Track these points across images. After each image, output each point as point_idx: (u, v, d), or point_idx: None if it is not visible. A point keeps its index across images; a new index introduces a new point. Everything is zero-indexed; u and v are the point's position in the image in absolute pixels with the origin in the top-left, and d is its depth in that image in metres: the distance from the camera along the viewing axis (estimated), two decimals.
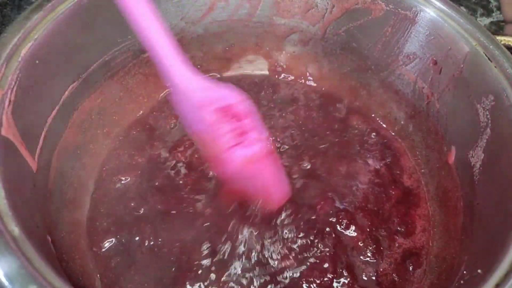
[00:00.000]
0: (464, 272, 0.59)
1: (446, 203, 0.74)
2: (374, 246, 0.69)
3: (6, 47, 0.57)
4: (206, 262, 0.65)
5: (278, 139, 0.80)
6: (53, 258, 0.57)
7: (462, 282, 0.57)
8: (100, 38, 0.71)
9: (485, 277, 0.51)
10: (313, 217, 0.70)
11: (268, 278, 0.65)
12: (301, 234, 0.68)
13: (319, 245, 0.68)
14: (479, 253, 0.59)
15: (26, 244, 0.47)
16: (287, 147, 0.80)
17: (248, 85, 0.89)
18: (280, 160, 0.65)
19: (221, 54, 0.90)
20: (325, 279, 0.65)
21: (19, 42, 0.59)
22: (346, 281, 0.65)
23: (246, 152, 0.59)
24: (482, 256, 0.57)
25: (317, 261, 0.66)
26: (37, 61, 0.60)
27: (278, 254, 0.66)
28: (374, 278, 0.67)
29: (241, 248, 0.67)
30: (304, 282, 0.65)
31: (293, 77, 0.92)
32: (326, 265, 0.66)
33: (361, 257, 0.68)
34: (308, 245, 0.67)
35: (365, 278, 0.67)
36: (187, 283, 0.63)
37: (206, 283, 0.63)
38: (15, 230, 0.47)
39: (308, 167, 0.77)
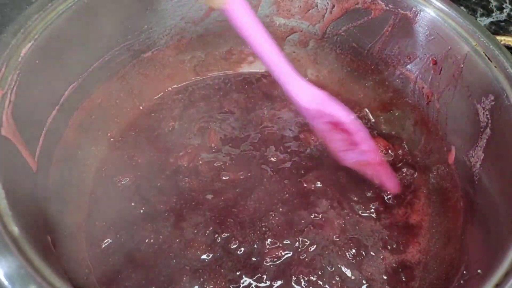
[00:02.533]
0: (464, 272, 0.59)
1: (446, 203, 0.74)
2: (356, 249, 0.69)
3: (6, 47, 0.57)
4: (203, 260, 0.66)
5: (282, 134, 0.81)
6: (53, 258, 0.57)
7: (462, 282, 0.57)
8: (100, 38, 0.72)
9: (485, 277, 0.51)
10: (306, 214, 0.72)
11: (263, 276, 0.65)
12: (294, 229, 0.70)
13: (306, 241, 0.69)
14: (479, 253, 0.59)
15: (26, 244, 0.47)
16: (290, 143, 0.81)
17: (248, 84, 0.89)
18: (388, 166, 0.71)
19: (221, 54, 0.90)
20: (314, 275, 0.66)
21: (19, 42, 0.59)
22: (334, 281, 0.65)
23: (357, 157, 0.67)
24: (482, 256, 0.57)
25: (306, 257, 0.67)
26: (37, 61, 0.60)
27: (273, 252, 0.67)
28: (364, 282, 0.67)
29: (238, 247, 0.67)
30: (294, 276, 0.65)
31: None
32: (314, 262, 0.67)
33: (343, 259, 0.68)
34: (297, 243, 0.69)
35: (354, 281, 0.67)
36: (185, 281, 0.63)
37: (203, 281, 0.64)
38: (15, 230, 0.47)
39: (310, 164, 0.78)
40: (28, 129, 0.59)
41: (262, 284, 0.65)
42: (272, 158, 0.78)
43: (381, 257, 0.69)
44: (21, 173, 0.57)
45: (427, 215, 0.75)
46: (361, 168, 0.70)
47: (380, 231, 0.72)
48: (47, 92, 0.64)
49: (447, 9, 0.71)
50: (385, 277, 0.68)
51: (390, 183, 0.72)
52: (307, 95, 0.64)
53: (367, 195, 0.75)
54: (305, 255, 0.67)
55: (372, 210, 0.74)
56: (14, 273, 0.44)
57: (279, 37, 0.88)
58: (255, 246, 0.67)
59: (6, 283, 0.43)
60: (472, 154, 0.67)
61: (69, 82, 0.68)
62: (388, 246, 0.70)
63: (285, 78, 0.63)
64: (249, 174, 0.75)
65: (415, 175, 0.79)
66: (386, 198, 0.75)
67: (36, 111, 0.62)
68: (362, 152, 0.66)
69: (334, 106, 0.64)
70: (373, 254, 0.69)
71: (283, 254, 0.67)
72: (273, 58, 0.62)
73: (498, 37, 0.69)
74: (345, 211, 0.73)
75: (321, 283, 0.65)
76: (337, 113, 0.64)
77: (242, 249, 0.67)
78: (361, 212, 0.73)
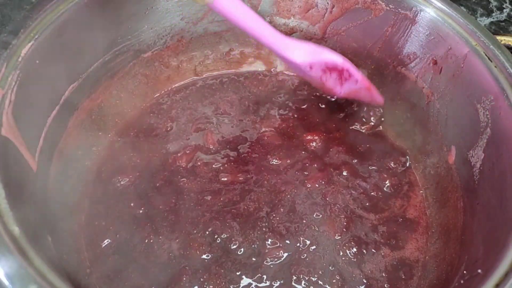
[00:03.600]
0: (464, 272, 0.58)
1: (445, 203, 0.74)
2: (357, 247, 0.69)
3: (6, 47, 0.57)
4: (203, 260, 0.66)
5: (281, 135, 0.82)
6: (53, 258, 0.57)
7: (462, 282, 0.57)
8: (100, 38, 0.72)
9: (485, 277, 0.51)
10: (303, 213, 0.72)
11: (263, 276, 0.65)
12: (292, 228, 0.70)
13: (306, 240, 0.69)
14: (479, 253, 0.59)
15: (27, 244, 0.47)
16: (289, 143, 0.81)
17: (247, 84, 0.90)
18: (373, 86, 0.77)
19: (222, 55, 0.90)
20: (314, 275, 0.66)
21: (19, 42, 0.59)
22: (335, 281, 0.66)
23: (350, 87, 0.75)
24: (482, 256, 0.57)
25: (306, 256, 0.67)
26: (37, 61, 0.60)
27: (274, 252, 0.67)
28: (365, 280, 0.67)
29: (238, 247, 0.67)
30: (294, 276, 0.66)
31: (293, 76, 0.92)
32: (314, 262, 0.67)
33: (344, 257, 0.68)
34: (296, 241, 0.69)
35: (354, 280, 0.67)
36: (185, 280, 0.63)
37: (203, 281, 0.64)
38: (16, 230, 0.47)
39: (310, 164, 0.78)
40: (28, 129, 0.59)
41: (262, 284, 0.65)
42: (271, 159, 0.78)
43: (382, 254, 0.69)
44: (22, 173, 0.57)
45: (426, 215, 0.75)
46: (354, 94, 0.78)
47: (381, 227, 0.72)
48: (47, 92, 0.64)
49: (447, 9, 0.71)
50: (384, 275, 0.68)
51: (377, 97, 0.79)
52: (301, 53, 0.71)
53: (368, 189, 0.76)
54: (305, 255, 0.67)
55: (372, 204, 0.74)
56: (15, 272, 0.44)
57: None
58: (255, 246, 0.67)
59: (6, 282, 0.43)
60: (472, 154, 0.67)
61: (69, 82, 0.68)
62: (388, 242, 0.71)
63: (277, 45, 0.70)
64: (248, 175, 0.75)
65: (407, 159, 0.81)
66: (385, 187, 0.77)
67: (36, 111, 0.62)
68: (355, 82, 0.74)
69: (325, 53, 0.72)
70: (374, 251, 0.69)
71: (283, 254, 0.67)
72: (263, 32, 0.69)
73: (498, 37, 0.69)
74: (347, 209, 0.73)
75: (321, 282, 0.65)
76: (330, 59, 0.72)
77: (242, 249, 0.67)
78: (362, 208, 0.73)
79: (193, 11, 0.81)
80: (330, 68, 0.72)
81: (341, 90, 0.76)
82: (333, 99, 0.88)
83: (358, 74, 0.74)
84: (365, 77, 0.75)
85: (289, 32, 0.87)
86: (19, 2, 0.95)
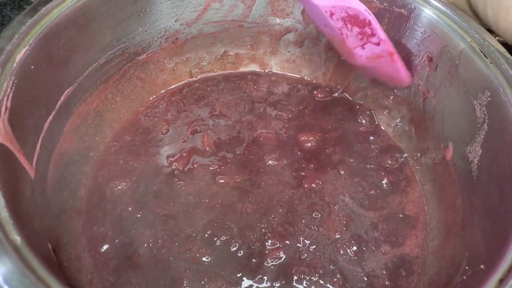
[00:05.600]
0: (466, 267, 0.59)
1: (443, 199, 0.74)
2: (357, 245, 0.69)
3: (1, 53, 0.57)
4: (203, 263, 0.66)
5: (278, 136, 0.82)
6: (54, 265, 0.56)
7: (464, 277, 0.58)
8: (95, 41, 0.71)
9: (488, 272, 0.51)
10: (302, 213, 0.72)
11: (264, 277, 0.65)
12: (292, 229, 0.70)
13: (306, 240, 0.69)
14: (481, 249, 0.59)
15: (28, 252, 0.46)
16: (286, 144, 0.81)
17: (243, 86, 0.89)
18: (399, 56, 0.73)
19: (217, 57, 0.90)
20: (315, 275, 0.66)
21: (13, 48, 0.58)
22: (336, 279, 0.66)
23: (372, 49, 0.72)
24: (484, 251, 0.58)
25: (307, 256, 0.68)
26: (32, 66, 0.59)
27: (274, 253, 0.67)
28: (366, 278, 0.67)
29: (238, 249, 0.67)
30: (295, 276, 0.66)
31: (288, 76, 0.92)
32: (314, 262, 0.67)
33: (344, 256, 0.68)
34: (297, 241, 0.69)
35: (355, 278, 0.67)
36: (185, 284, 0.64)
37: (204, 284, 0.64)
38: (17, 239, 0.46)
39: (307, 164, 0.78)
40: (25, 135, 0.58)
41: (263, 285, 0.65)
42: (268, 160, 0.78)
43: (382, 251, 0.70)
44: (20, 180, 0.56)
45: (424, 211, 0.76)
46: (376, 63, 0.74)
47: (380, 225, 0.72)
48: (43, 97, 0.63)
49: (441, 6, 0.72)
50: (385, 272, 0.68)
51: (403, 73, 0.75)
52: None
53: (365, 187, 0.76)
54: (306, 255, 0.67)
55: (371, 202, 0.75)
56: (18, 282, 0.43)
57: (274, 37, 0.88)
58: (255, 248, 0.67)
59: None
60: (469, 150, 0.67)
61: (65, 87, 0.68)
62: (388, 239, 0.71)
63: None
64: (246, 177, 0.75)
65: (404, 156, 0.81)
66: (383, 185, 0.77)
67: (32, 117, 0.61)
68: (377, 44, 0.71)
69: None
70: (374, 249, 0.70)
71: (283, 254, 0.67)
72: None
73: (493, 34, 0.70)
74: (346, 208, 0.73)
75: (322, 282, 0.65)
76: (352, 4, 0.67)
77: (242, 251, 0.67)
78: (361, 207, 0.74)
79: (188, 12, 0.81)
80: (352, 19, 0.68)
81: (362, 53, 0.72)
82: (328, 98, 0.88)
83: (381, 32, 0.69)
84: (389, 40, 0.70)
85: (284, 32, 0.87)
86: (19, 2, 0.94)
